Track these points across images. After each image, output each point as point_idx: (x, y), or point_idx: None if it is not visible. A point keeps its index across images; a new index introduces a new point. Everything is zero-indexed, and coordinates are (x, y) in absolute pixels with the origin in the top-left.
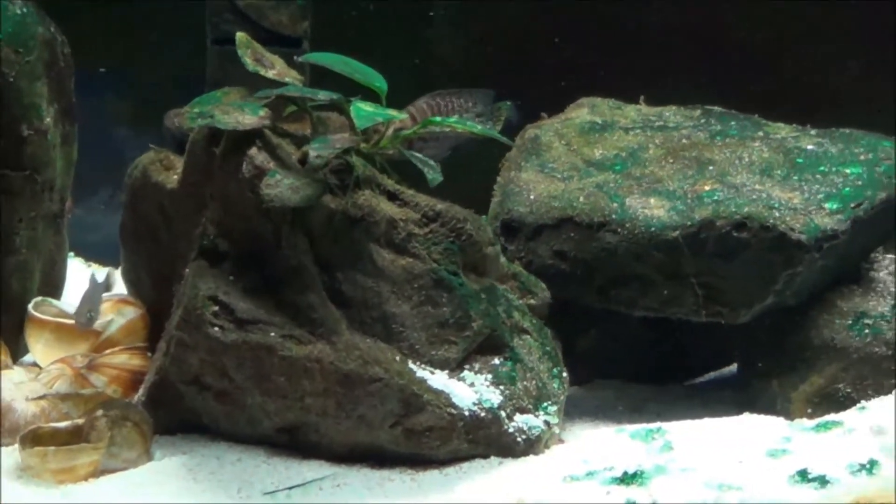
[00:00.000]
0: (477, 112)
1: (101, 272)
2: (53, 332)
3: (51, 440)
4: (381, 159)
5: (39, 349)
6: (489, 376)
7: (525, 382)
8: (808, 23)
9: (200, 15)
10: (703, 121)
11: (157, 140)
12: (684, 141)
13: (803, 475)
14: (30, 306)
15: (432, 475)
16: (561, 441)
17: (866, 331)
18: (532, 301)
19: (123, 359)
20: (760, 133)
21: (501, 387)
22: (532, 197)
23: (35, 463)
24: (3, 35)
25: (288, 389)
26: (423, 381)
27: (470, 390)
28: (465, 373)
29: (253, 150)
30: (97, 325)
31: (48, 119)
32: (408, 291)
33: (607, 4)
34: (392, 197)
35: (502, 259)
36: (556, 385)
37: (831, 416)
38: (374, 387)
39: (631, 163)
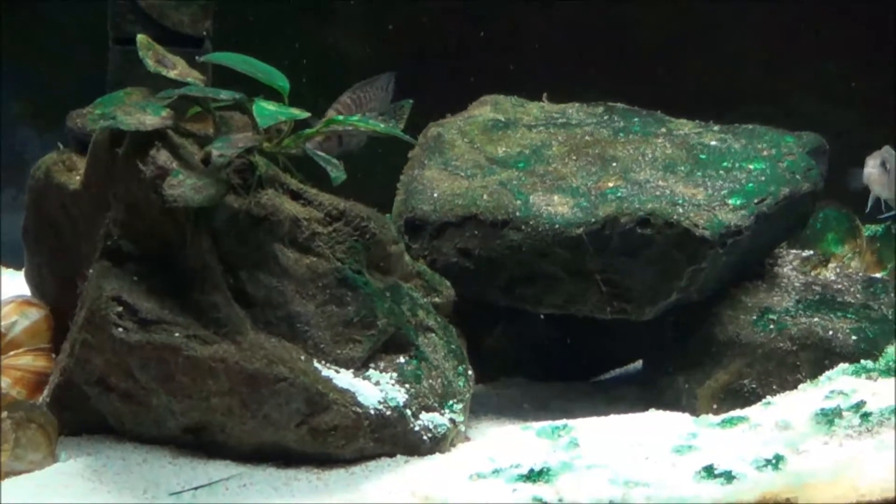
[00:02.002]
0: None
1: None
2: None
3: None
4: (284, 158)
5: None
6: (394, 375)
7: (430, 381)
8: (710, 20)
9: (103, 14)
10: (605, 118)
11: (60, 141)
12: (587, 138)
13: (709, 471)
14: None
15: (338, 474)
16: (467, 439)
17: (771, 326)
18: (437, 299)
19: (28, 360)
20: (663, 129)
21: (407, 385)
22: (436, 195)
23: None
24: None
25: (193, 389)
26: (328, 380)
27: (375, 389)
28: (371, 371)
29: (155, 151)
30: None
31: None
32: (312, 290)
33: (509, 2)
34: (295, 196)
35: (406, 257)
36: (461, 383)
37: (737, 412)
38: (279, 386)
39: (534, 160)
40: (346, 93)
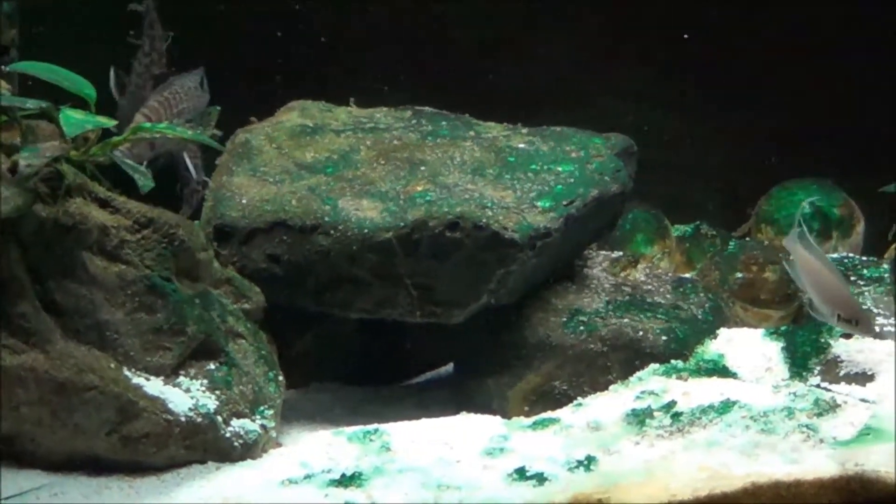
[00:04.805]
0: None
1: None
2: None
3: None
4: (92, 167)
5: None
6: (205, 381)
7: (241, 387)
8: (517, 22)
9: None
10: (414, 121)
11: None
12: (396, 142)
13: (521, 473)
14: None
15: (150, 482)
16: (279, 445)
17: (581, 328)
18: (246, 305)
19: None
20: (472, 132)
21: (217, 392)
22: (244, 201)
23: None
24: None
25: (2, 399)
26: (138, 387)
27: (186, 396)
28: (181, 378)
29: None
30: None
31: None
32: (121, 298)
33: (315, 5)
34: (104, 204)
35: (216, 264)
36: (272, 389)
37: (548, 414)
38: (89, 395)
39: (343, 165)
40: (153, 95)
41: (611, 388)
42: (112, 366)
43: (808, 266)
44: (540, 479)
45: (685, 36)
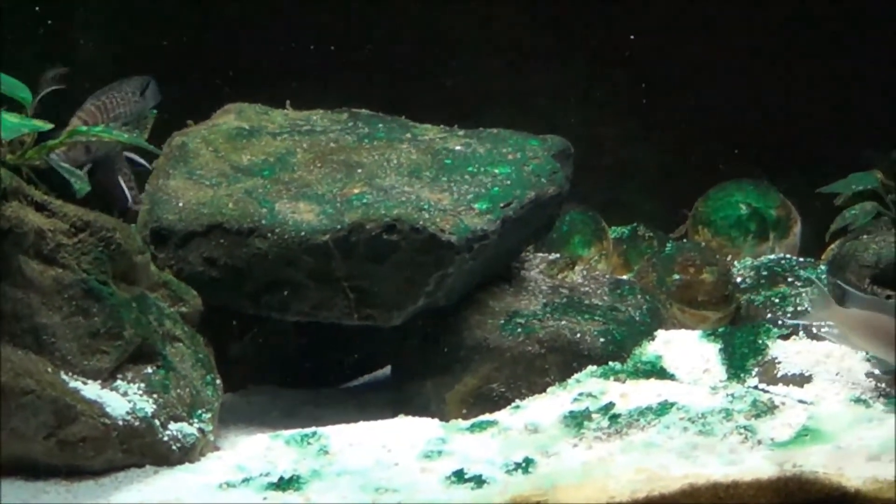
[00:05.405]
0: (140, 101)
1: None
2: None
3: None
4: (28, 170)
5: None
6: (142, 385)
7: (178, 390)
8: (452, 25)
9: None
10: (350, 124)
11: None
12: (332, 145)
13: (459, 476)
14: None
15: (88, 486)
16: (216, 448)
17: (519, 330)
18: (184, 309)
19: None
20: (408, 135)
21: (155, 395)
22: (181, 204)
23: None
24: None
25: None
26: (75, 391)
27: (123, 400)
28: (118, 382)
29: None
30: None
31: None
32: (58, 302)
33: (256, 7)
34: (40, 207)
35: (153, 267)
36: (209, 392)
37: (486, 416)
38: (26, 399)
39: (279, 168)
40: (90, 99)
41: (549, 390)
42: (49, 370)
43: (855, 322)
44: (478, 481)
45: (631, 37)
